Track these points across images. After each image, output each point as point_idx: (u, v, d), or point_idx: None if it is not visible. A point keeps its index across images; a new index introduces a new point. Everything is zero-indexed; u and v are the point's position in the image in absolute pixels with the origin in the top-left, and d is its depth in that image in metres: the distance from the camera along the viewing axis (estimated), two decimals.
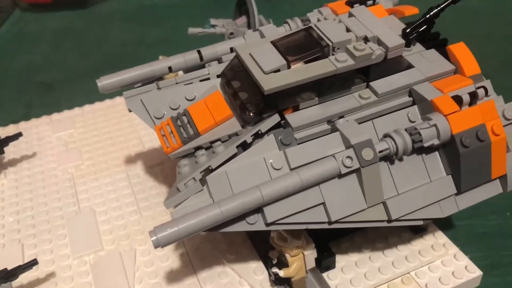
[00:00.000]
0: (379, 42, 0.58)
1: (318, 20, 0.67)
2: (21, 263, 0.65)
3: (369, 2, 0.71)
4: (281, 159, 0.54)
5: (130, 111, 0.64)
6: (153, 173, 0.88)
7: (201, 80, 0.64)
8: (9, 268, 0.64)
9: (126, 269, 0.70)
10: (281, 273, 0.63)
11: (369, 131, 0.57)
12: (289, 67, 0.56)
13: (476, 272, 0.67)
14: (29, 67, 1.38)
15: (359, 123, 0.57)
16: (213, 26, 0.94)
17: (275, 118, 0.57)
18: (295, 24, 0.70)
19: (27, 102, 1.21)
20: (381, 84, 0.59)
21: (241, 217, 0.52)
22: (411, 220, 0.58)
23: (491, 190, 0.61)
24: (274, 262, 0.64)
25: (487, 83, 0.60)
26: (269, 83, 0.54)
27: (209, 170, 0.55)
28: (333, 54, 0.57)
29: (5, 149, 0.89)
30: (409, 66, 0.61)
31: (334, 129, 0.56)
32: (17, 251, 0.74)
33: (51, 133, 0.99)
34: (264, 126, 0.56)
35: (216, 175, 0.53)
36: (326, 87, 0.57)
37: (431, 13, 0.62)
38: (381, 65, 0.58)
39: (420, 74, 0.60)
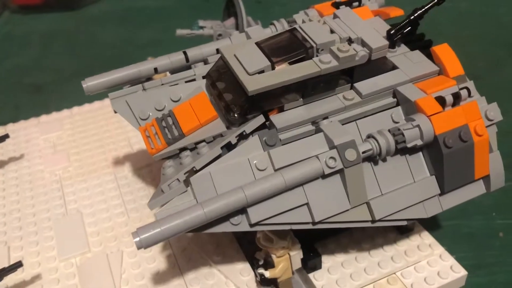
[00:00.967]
0: (363, 44, 0.58)
1: (303, 21, 0.68)
2: (7, 265, 0.65)
3: (355, 4, 0.72)
4: (266, 159, 0.54)
5: (115, 112, 0.64)
6: (141, 174, 0.88)
7: (186, 81, 0.64)
8: None
9: (113, 271, 0.69)
10: (267, 273, 0.63)
11: (352, 132, 0.58)
12: (273, 68, 0.56)
13: (461, 272, 0.67)
14: (18, 69, 1.38)
15: (343, 124, 0.57)
16: (201, 27, 0.94)
17: (260, 119, 0.57)
18: (281, 26, 0.70)
19: (15, 104, 1.21)
20: (365, 85, 0.59)
21: (225, 218, 0.52)
22: (395, 220, 0.58)
23: (475, 190, 0.61)
24: (261, 263, 0.64)
25: (470, 84, 0.61)
26: (253, 84, 0.54)
27: (193, 171, 0.55)
28: (317, 56, 0.57)
29: None
30: (394, 67, 0.62)
31: (318, 130, 0.57)
32: (3, 253, 0.74)
33: (39, 134, 0.99)
34: (248, 127, 0.57)
35: (200, 176, 0.53)
36: (310, 88, 0.58)
37: (416, 15, 0.62)
38: (365, 66, 0.59)
39: (404, 75, 0.61)
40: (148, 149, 0.58)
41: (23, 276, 0.70)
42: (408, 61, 0.62)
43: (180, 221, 0.49)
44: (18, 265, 0.64)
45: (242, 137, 0.57)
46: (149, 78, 0.68)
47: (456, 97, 0.58)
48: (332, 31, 0.60)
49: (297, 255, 0.64)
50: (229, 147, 0.57)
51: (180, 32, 0.94)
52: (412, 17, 0.62)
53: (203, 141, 0.58)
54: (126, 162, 0.91)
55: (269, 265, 0.63)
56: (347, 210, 0.56)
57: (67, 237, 0.75)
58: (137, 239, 0.47)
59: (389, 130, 0.56)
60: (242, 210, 0.53)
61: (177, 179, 0.54)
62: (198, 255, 0.71)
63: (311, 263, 0.67)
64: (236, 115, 0.56)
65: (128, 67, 0.66)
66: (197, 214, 0.49)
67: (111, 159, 0.91)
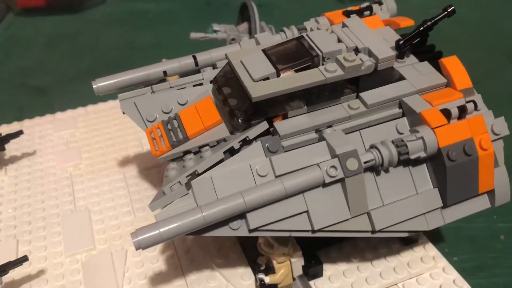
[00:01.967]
0: (370, 53, 0.58)
1: (311, 29, 0.68)
2: (13, 259, 0.67)
3: (366, 13, 0.72)
4: (267, 166, 0.55)
5: (124, 113, 0.65)
6: (150, 175, 0.89)
7: (194, 85, 0.65)
8: (0, 263, 0.65)
9: (116, 269, 0.70)
10: (267, 279, 0.63)
11: (356, 141, 0.58)
12: (278, 75, 0.56)
13: (464, 286, 0.66)
14: (21, 71, 1.40)
15: (346, 133, 0.57)
16: (215, 31, 0.95)
17: (264, 125, 0.57)
18: (291, 33, 0.70)
19: (19, 106, 1.23)
20: (371, 95, 0.59)
21: (225, 222, 0.52)
22: (395, 231, 0.58)
23: (479, 205, 0.60)
24: (262, 268, 0.65)
25: (478, 97, 0.60)
26: (257, 91, 0.54)
27: (195, 175, 0.55)
28: (323, 64, 0.57)
29: (7, 146, 0.91)
30: (401, 78, 0.61)
31: (321, 138, 0.57)
32: (12, 246, 0.75)
33: (53, 131, 1.01)
34: (252, 132, 0.57)
35: (201, 180, 0.54)
36: (315, 96, 0.58)
37: (425, 26, 0.62)
38: (372, 76, 0.59)
39: (410, 86, 0.60)
40: (152, 151, 0.59)
41: (29, 270, 0.71)
42: (415, 72, 0.62)
43: (179, 224, 0.49)
44: (24, 259, 0.65)
45: (245, 142, 0.58)
46: (162, 80, 0.69)
47: (462, 110, 0.57)
48: (339, 40, 0.60)
49: (298, 261, 0.64)
50: (232, 152, 0.57)
51: (194, 35, 0.95)
52: (422, 28, 0.62)
53: (207, 145, 0.59)
54: (136, 162, 0.92)
55: (270, 270, 0.64)
56: (347, 219, 0.55)
57: (74, 233, 0.77)
58: (136, 239, 0.48)
59: (392, 141, 0.56)
60: (241, 215, 0.53)
61: (179, 181, 0.55)
62: (201, 257, 0.71)
63: (312, 270, 0.67)
64: (240, 121, 0.57)
65: (138, 69, 0.66)
66: (196, 217, 0.50)
67: (121, 158, 0.93)
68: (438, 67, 0.63)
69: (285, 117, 0.59)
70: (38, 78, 1.35)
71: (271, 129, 0.58)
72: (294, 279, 0.65)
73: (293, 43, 0.60)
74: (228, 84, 0.60)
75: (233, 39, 0.94)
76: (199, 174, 0.55)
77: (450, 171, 0.56)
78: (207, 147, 0.58)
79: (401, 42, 0.62)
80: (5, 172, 0.91)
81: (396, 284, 0.67)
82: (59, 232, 0.78)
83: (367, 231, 0.57)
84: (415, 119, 0.58)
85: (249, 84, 0.55)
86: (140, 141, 0.97)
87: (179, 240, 0.74)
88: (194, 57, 0.67)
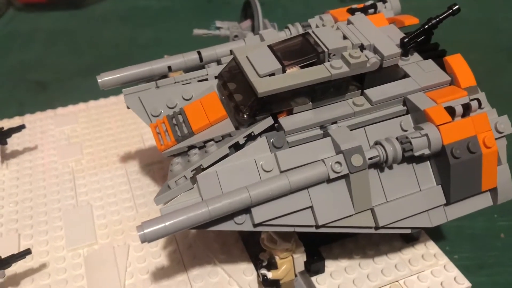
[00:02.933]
0: (375, 51, 0.59)
1: (317, 26, 0.68)
2: (16, 252, 0.67)
3: (371, 11, 0.72)
4: (272, 161, 0.55)
5: (128, 108, 0.65)
6: (152, 170, 0.89)
7: (199, 81, 0.65)
8: (3, 256, 0.65)
9: (118, 264, 0.71)
10: (270, 274, 0.63)
11: (360, 138, 0.58)
12: (284, 71, 0.56)
13: (464, 284, 0.67)
14: (22, 66, 1.40)
15: (351, 130, 0.57)
16: (218, 28, 0.95)
17: (269, 121, 0.58)
18: (296, 29, 0.70)
19: (19, 101, 1.23)
20: (376, 92, 0.59)
21: (229, 216, 0.53)
22: (398, 228, 0.58)
23: (481, 202, 0.61)
24: (264, 263, 0.65)
25: (481, 95, 0.61)
26: (263, 86, 0.54)
27: (200, 169, 0.56)
28: (328, 61, 0.58)
29: (9, 140, 0.91)
30: (405, 75, 0.62)
31: (326, 134, 0.57)
32: (14, 240, 0.75)
33: (54, 126, 1.01)
34: (257, 128, 0.57)
35: (206, 174, 0.54)
36: (320, 93, 0.58)
37: (430, 24, 0.62)
38: (377, 73, 0.59)
39: (415, 84, 0.61)
40: (157, 145, 0.59)
41: (31, 264, 0.72)
42: (420, 70, 0.62)
43: (185, 217, 0.49)
44: (27, 252, 0.65)
45: (250, 138, 0.58)
46: (164, 76, 0.69)
47: (466, 108, 0.58)
48: (344, 37, 0.60)
49: (300, 257, 0.64)
50: (236, 147, 0.57)
51: (197, 31, 0.95)
52: (427, 26, 0.62)
53: (212, 140, 0.59)
54: (138, 158, 0.92)
55: (272, 266, 0.64)
56: (351, 215, 0.56)
57: (76, 228, 0.77)
58: (142, 232, 0.48)
59: (397, 138, 0.56)
60: (246, 210, 0.53)
61: (184, 176, 0.55)
62: (203, 252, 0.72)
63: (314, 266, 0.67)
64: (245, 116, 0.57)
65: (143, 64, 0.67)
66: (202, 211, 0.50)
67: (123, 154, 0.93)
68: (441, 66, 0.64)
69: (289, 113, 0.59)
70: (39, 73, 1.35)
71: (275, 124, 0.59)
72: (296, 275, 0.65)
73: (298, 39, 0.60)
74: (233, 80, 0.60)
75: (236, 36, 0.94)
76: (204, 169, 0.55)
77: (454, 169, 0.56)
78: (212, 142, 0.58)
79: (406, 39, 0.62)
80: (6, 166, 0.91)
81: (397, 281, 0.68)
82: (61, 227, 0.78)
83: (370, 227, 0.57)
84: (419, 117, 0.58)
85: (255, 80, 0.55)
86: (142, 137, 0.97)
87: (181, 235, 0.74)
88: (199, 53, 0.67)
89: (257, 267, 0.66)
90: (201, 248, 0.72)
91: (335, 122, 0.59)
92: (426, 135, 0.55)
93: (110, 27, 1.59)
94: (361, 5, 0.72)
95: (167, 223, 0.49)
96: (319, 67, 0.57)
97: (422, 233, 0.73)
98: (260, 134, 0.58)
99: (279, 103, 0.57)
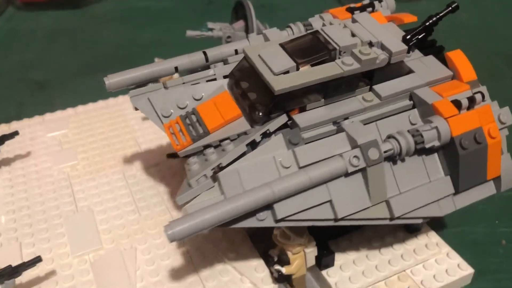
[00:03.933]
0: (383, 47, 0.60)
1: (324, 25, 0.69)
2: (21, 261, 0.65)
3: (369, 9, 0.74)
4: (290, 157, 0.56)
5: (136, 109, 0.64)
6: (150, 173, 0.88)
7: (208, 81, 0.65)
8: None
9: (128, 267, 0.70)
10: (284, 270, 0.64)
11: (373, 132, 0.59)
12: (298, 69, 0.57)
13: (468, 270, 0.69)
14: (21, 66, 1.37)
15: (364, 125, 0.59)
16: (210, 29, 0.95)
17: (283, 118, 0.59)
18: (298, 29, 0.72)
19: (19, 101, 1.20)
20: (384, 88, 0.61)
21: (252, 213, 0.53)
22: (411, 218, 0.60)
23: (486, 190, 0.63)
24: (275, 260, 0.66)
25: (483, 88, 0.63)
26: (279, 84, 0.55)
27: (219, 168, 0.56)
28: (339, 58, 0.59)
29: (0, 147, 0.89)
30: (410, 71, 0.64)
31: (340, 130, 0.58)
32: (15, 249, 0.73)
33: (44, 133, 0.98)
34: (272, 125, 0.58)
35: (228, 172, 0.54)
36: (332, 89, 0.59)
37: (431, 21, 0.64)
38: (384, 69, 0.61)
39: (420, 79, 0.63)
40: (173, 146, 0.59)
41: (37, 272, 0.70)
42: (423, 66, 0.65)
43: (212, 215, 0.50)
44: (37, 260, 0.64)
45: (265, 135, 0.59)
46: (155, 80, 0.68)
47: (471, 101, 0.60)
48: (353, 35, 0.62)
49: (312, 252, 0.65)
50: (253, 145, 0.58)
51: (190, 33, 0.95)
52: (427, 23, 0.64)
53: (228, 138, 0.59)
54: (134, 161, 0.91)
55: (283, 262, 0.65)
56: (368, 207, 0.57)
57: (79, 234, 0.76)
58: (171, 231, 0.48)
59: (408, 131, 0.58)
60: (267, 206, 0.54)
61: (204, 175, 0.55)
62: (212, 252, 0.72)
63: (324, 260, 0.69)
64: (260, 114, 0.58)
65: (148, 65, 0.66)
66: (228, 208, 0.50)
67: (118, 158, 0.92)
68: (441, 61, 0.66)
69: (301, 110, 0.60)
70: (39, 73, 1.33)
71: (289, 122, 0.60)
72: (307, 269, 0.66)
73: (309, 38, 0.61)
74: (245, 79, 0.61)
75: (229, 37, 0.94)
76: (223, 167, 0.56)
77: (463, 159, 0.59)
78: (228, 141, 0.59)
79: (408, 36, 0.64)
80: None
81: (404, 270, 0.70)
82: (63, 233, 0.76)
83: (386, 218, 0.59)
84: (427, 110, 0.60)
85: (271, 78, 0.56)
86: (137, 140, 0.96)
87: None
88: (205, 53, 0.68)
89: (269, 263, 0.67)
90: (210, 248, 0.72)
91: (347, 118, 0.60)
92: (436, 127, 0.58)
93: (110, 27, 1.58)
94: (359, 4, 0.74)
95: (196, 221, 0.49)
96: (331, 64, 0.58)
97: (423, 224, 0.75)
98: (275, 131, 0.59)
99: (293, 100, 0.58)
